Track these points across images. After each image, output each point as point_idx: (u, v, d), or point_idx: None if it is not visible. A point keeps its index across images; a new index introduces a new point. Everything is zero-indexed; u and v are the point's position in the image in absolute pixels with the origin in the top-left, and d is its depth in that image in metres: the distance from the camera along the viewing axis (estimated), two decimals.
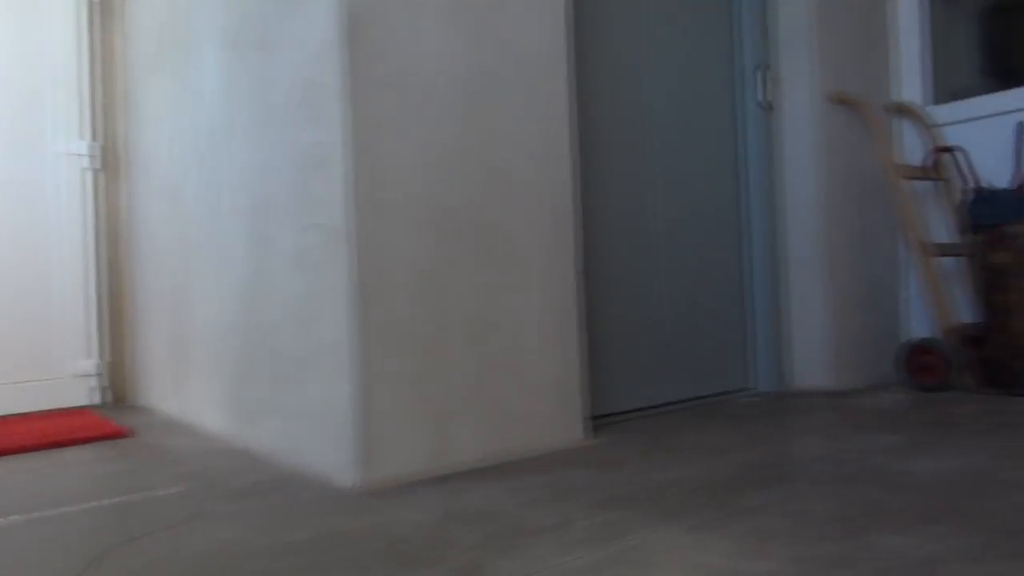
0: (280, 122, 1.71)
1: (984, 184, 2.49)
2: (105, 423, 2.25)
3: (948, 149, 2.56)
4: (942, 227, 2.66)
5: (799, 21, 2.52)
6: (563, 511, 1.22)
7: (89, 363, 2.78)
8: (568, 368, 1.77)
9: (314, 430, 1.58)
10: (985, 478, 1.32)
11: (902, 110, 2.73)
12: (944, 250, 2.46)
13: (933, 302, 2.39)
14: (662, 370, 2.23)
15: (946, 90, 2.77)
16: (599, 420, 2.01)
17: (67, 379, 2.75)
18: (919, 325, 2.70)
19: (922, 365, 2.35)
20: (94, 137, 2.84)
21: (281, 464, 1.65)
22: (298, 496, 1.39)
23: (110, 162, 2.87)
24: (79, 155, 2.81)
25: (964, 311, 2.56)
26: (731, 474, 1.42)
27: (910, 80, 2.77)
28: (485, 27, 1.66)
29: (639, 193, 2.20)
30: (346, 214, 1.47)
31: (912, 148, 2.74)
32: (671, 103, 2.31)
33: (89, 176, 2.82)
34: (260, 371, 1.83)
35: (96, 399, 2.78)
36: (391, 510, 1.28)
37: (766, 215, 2.52)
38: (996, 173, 2.53)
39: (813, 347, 2.49)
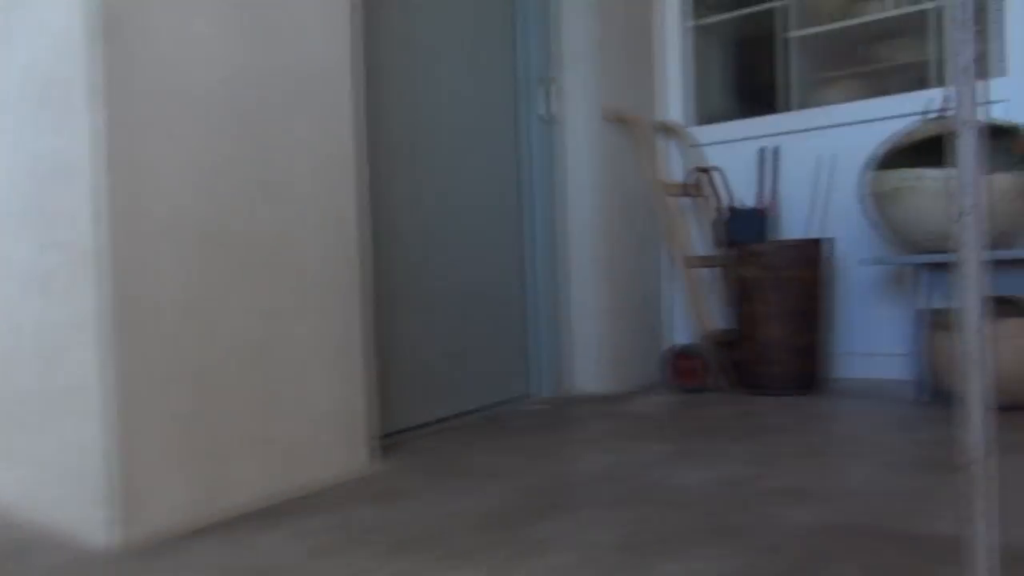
0: (13, 122, 1.46)
1: (737, 203, 2.74)
2: None
3: (706, 169, 2.79)
4: (701, 240, 2.90)
5: (579, 39, 2.61)
6: (353, 561, 1.16)
7: None
8: (354, 391, 1.70)
9: (62, 481, 1.37)
10: (744, 488, 1.44)
11: (667, 129, 2.94)
12: (702, 262, 2.69)
13: (693, 310, 2.60)
14: (450, 382, 2.23)
15: (705, 112, 3.03)
16: (387, 440, 1.96)
17: None
18: (681, 331, 2.94)
19: (684, 369, 2.55)
20: None
21: (21, 522, 1.42)
22: (43, 563, 1.20)
23: None
24: None
25: (720, 318, 2.81)
26: (520, 500, 1.44)
27: (674, 101, 2.99)
28: (265, 32, 1.53)
29: (426, 204, 2.17)
30: (96, 232, 1.29)
31: (677, 165, 2.96)
32: (458, 114, 2.30)
33: None
34: None
35: None
36: (157, 574, 1.14)
37: (548, 224, 2.60)
38: (747, 193, 2.81)
39: (590, 353, 2.62)
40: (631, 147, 2.77)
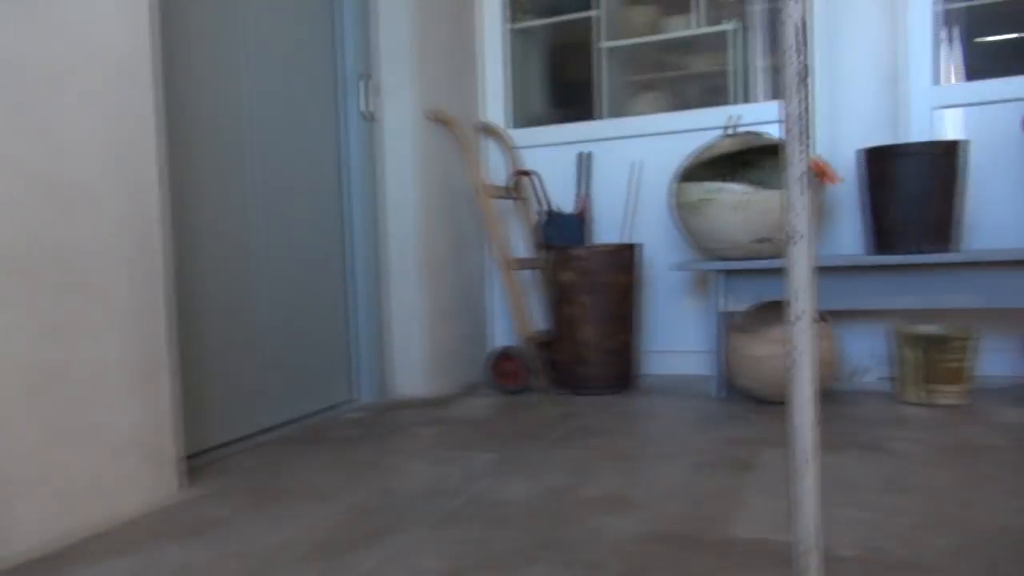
0: None
1: (554, 207, 2.82)
2: None
3: (527, 172, 2.85)
4: (521, 243, 2.96)
5: (399, 34, 2.56)
6: None
7: None
8: (158, 414, 1.56)
9: None
10: (568, 498, 1.49)
11: (488, 130, 2.96)
12: (523, 264, 2.75)
13: (514, 312, 2.65)
14: (266, 391, 2.11)
15: (524, 115, 3.08)
16: (198, 459, 1.82)
17: None
18: (504, 332, 2.98)
19: (506, 371, 2.59)
20: None
21: None
22: None
23: None
24: None
25: (540, 319, 2.89)
26: (346, 524, 1.39)
27: (494, 103, 3.01)
28: (49, 19, 1.35)
29: (238, 205, 2.04)
30: None
31: (497, 166, 2.99)
32: (273, 109, 2.17)
33: None
34: None
35: None
36: None
37: (368, 225, 2.53)
38: (565, 197, 2.89)
39: (412, 356, 2.59)
40: (453, 147, 2.77)
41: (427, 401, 2.50)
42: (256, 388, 2.08)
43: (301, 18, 2.30)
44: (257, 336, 2.09)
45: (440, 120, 2.66)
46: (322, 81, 2.40)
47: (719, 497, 1.46)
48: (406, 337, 2.60)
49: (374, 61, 2.57)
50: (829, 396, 2.33)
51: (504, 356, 2.60)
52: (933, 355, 2.13)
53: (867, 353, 2.52)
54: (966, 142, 2.23)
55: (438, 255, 2.66)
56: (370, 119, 2.55)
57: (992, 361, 2.45)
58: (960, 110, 2.44)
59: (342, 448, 1.94)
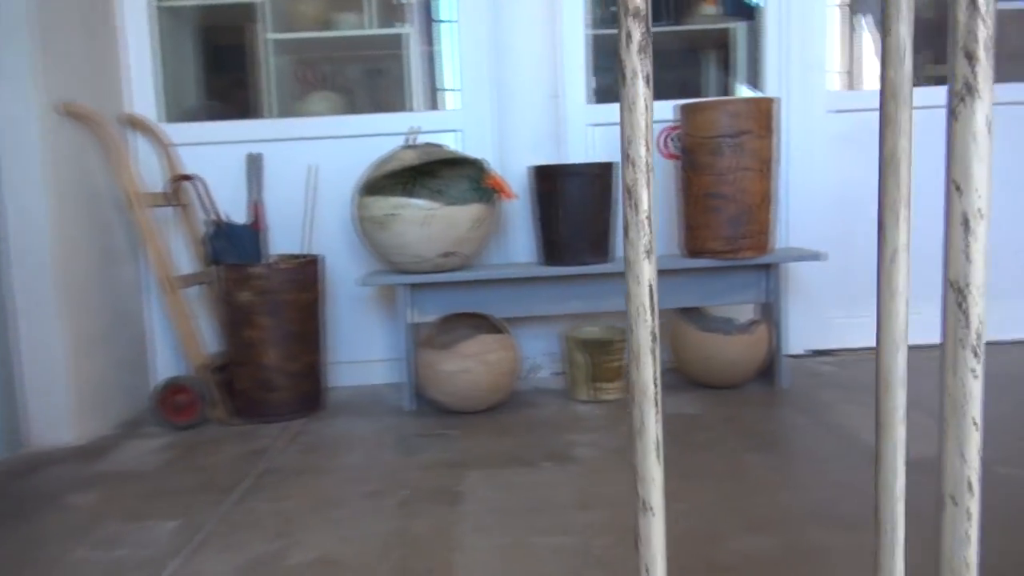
0: None
1: (223, 216, 2.55)
2: None
3: (188, 177, 2.54)
4: (186, 256, 2.64)
5: (11, 6, 2.09)
6: None
7: None
8: None
9: None
10: (276, 574, 1.36)
11: (135, 124, 2.58)
12: (189, 281, 2.45)
13: (182, 336, 2.36)
14: None
15: (179, 109, 2.74)
16: None
17: None
18: (170, 359, 2.66)
19: (176, 404, 2.30)
20: None
21: None
22: None
23: None
24: None
25: (214, 342, 2.61)
26: None
27: (142, 93, 2.63)
28: None
29: None
30: None
31: (150, 166, 2.62)
32: None
33: None
34: None
35: None
36: None
37: None
38: (235, 203, 2.63)
39: (54, 396, 2.18)
40: (97, 146, 2.36)
41: (78, 450, 2.13)
42: None
43: None
44: None
45: (75, 114, 2.24)
46: None
47: (434, 541, 1.45)
48: (43, 374, 2.17)
49: None
50: (513, 399, 2.45)
51: (173, 388, 2.31)
52: (598, 357, 2.35)
53: (541, 352, 2.71)
54: (616, 163, 2.47)
55: (81, 274, 2.26)
56: None
57: None
58: (607, 128, 2.71)
59: None
